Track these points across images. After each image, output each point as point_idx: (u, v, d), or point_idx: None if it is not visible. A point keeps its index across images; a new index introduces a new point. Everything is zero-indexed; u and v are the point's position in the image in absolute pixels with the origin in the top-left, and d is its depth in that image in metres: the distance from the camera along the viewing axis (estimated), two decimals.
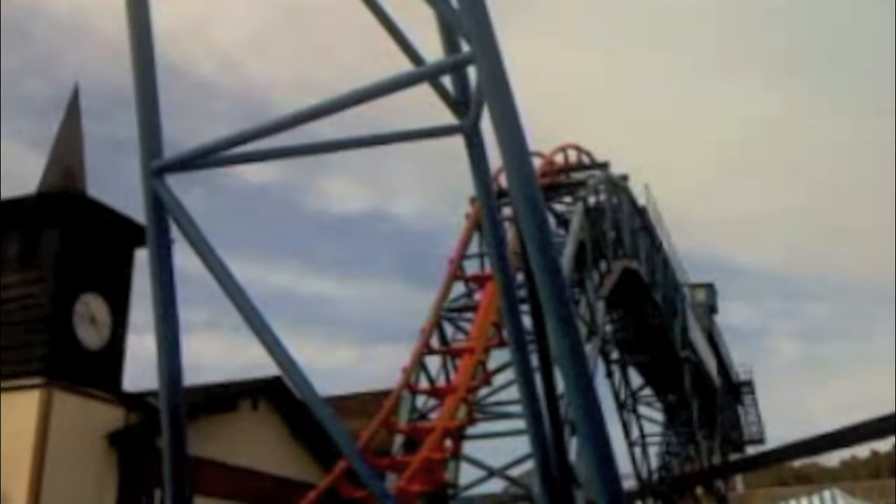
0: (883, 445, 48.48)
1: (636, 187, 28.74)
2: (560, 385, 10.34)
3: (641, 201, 29.47)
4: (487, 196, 8.98)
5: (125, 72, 8.86)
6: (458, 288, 18.97)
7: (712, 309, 39.03)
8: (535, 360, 9.63)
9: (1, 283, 17.75)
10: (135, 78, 8.71)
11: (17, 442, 16.18)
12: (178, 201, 8.47)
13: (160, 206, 8.42)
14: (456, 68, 8.87)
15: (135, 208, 18.93)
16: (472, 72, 9.38)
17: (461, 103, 9.05)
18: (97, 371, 17.70)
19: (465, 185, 9.78)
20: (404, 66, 9.28)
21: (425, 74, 8.68)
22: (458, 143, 9.38)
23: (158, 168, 8.48)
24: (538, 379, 9.19)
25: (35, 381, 16.62)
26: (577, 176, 25.63)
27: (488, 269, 18.67)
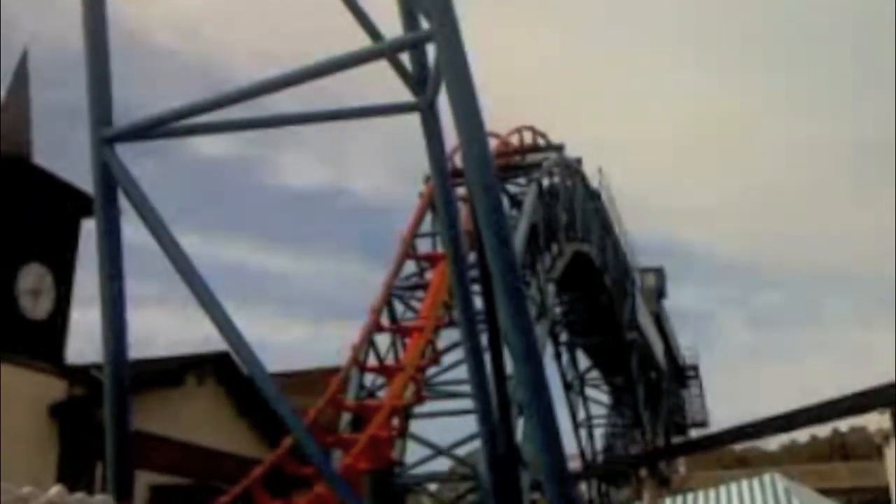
0: (822, 431, 49.53)
1: (590, 170, 28.96)
2: (509, 365, 10.40)
3: (595, 184, 29.70)
4: (441, 175, 8.97)
5: (76, 37, 8.65)
6: (410, 267, 18.94)
7: (661, 293, 39.44)
8: (484, 340, 9.67)
9: None
10: (85, 44, 8.52)
11: None
12: (128, 171, 8.32)
13: (109, 175, 8.26)
14: (414, 45, 8.82)
15: (85, 178, 18.59)
16: (431, 50, 9.35)
17: (419, 81, 9.01)
18: (40, 342, 17.35)
19: (425, 162, 9.80)
20: (365, 41, 9.20)
21: (383, 50, 8.63)
22: (418, 119, 9.33)
23: (108, 137, 8.32)
24: (487, 359, 9.23)
25: None
26: (532, 158, 25.70)
27: (441, 248, 18.66)
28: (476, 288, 10.27)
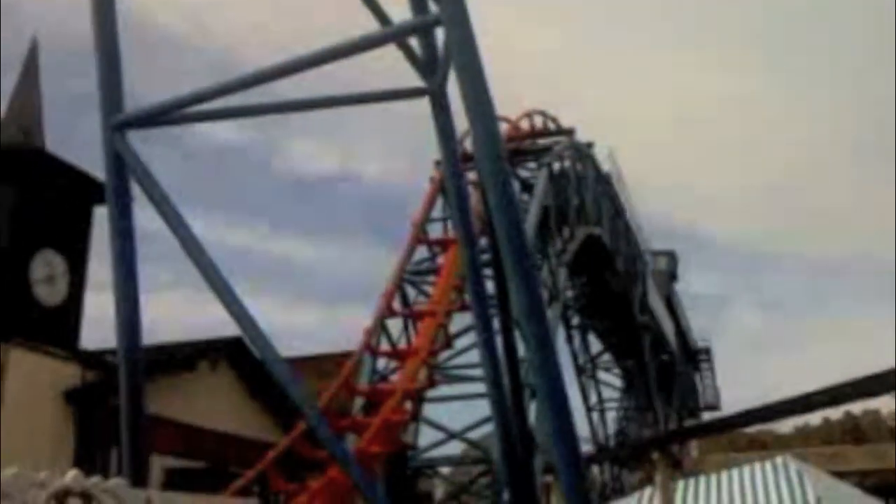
0: (835, 413, 49.43)
1: (601, 154, 28.89)
2: (521, 349, 10.41)
3: (606, 168, 29.61)
4: (452, 159, 8.98)
5: (88, 25, 8.66)
6: (422, 251, 18.96)
7: (673, 276, 39.35)
8: (497, 324, 9.68)
9: None
10: (95, 31, 8.53)
11: None
12: (139, 158, 8.35)
13: (120, 162, 8.29)
14: (423, 30, 8.81)
15: (97, 165, 18.64)
16: (440, 34, 9.33)
17: (428, 65, 9.00)
18: (54, 329, 17.44)
19: (436, 147, 9.82)
20: (373, 26, 9.19)
21: (392, 35, 8.62)
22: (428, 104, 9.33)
23: (119, 123, 8.34)
24: (500, 343, 9.24)
25: None
26: (543, 142, 25.65)
27: (452, 233, 18.68)
28: (488, 272, 10.29)
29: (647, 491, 19.55)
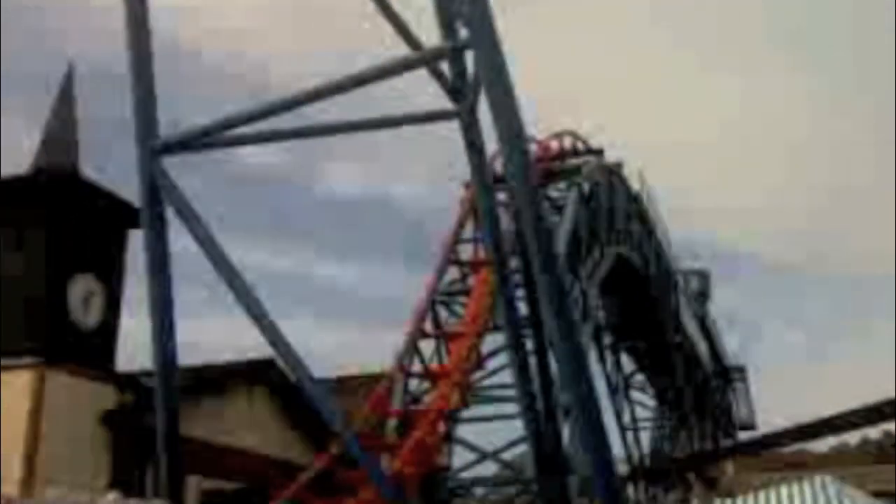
0: (873, 432, 48.70)
1: (630, 173, 28.84)
2: (553, 368, 10.41)
3: (636, 187, 29.56)
4: (482, 181, 9.04)
5: (123, 52, 8.83)
6: (453, 272, 19.02)
7: (705, 295, 39.11)
8: (529, 344, 9.69)
9: None
10: (130, 58, 8.69)
11: (13, 422, 16.18)
12: (174, 182, 8.48)
13: (155, 186, 8.42)
14: (453, 53, 8.90)
15: (129, 188, 18.89)
16: (469, 56, 9.41)
17: (458, 88, 9.08)
18: (91, 351, 17.66)
19: (465, 168, 9.89)
20: (403, 50, 9.29)
21: (422, 59, 8.71)
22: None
23: (154, 149, 8.48)
24: (532, 363, 9.24)
25: (29, 361, 16.57)
26: (572, 162, 25.69)
27: (483, 253, 18.73)
28: (520, 293, 10.31)
29: None
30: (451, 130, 9.34)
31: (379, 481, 7.17)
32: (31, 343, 16.73)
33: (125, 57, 8.87)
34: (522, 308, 10.53)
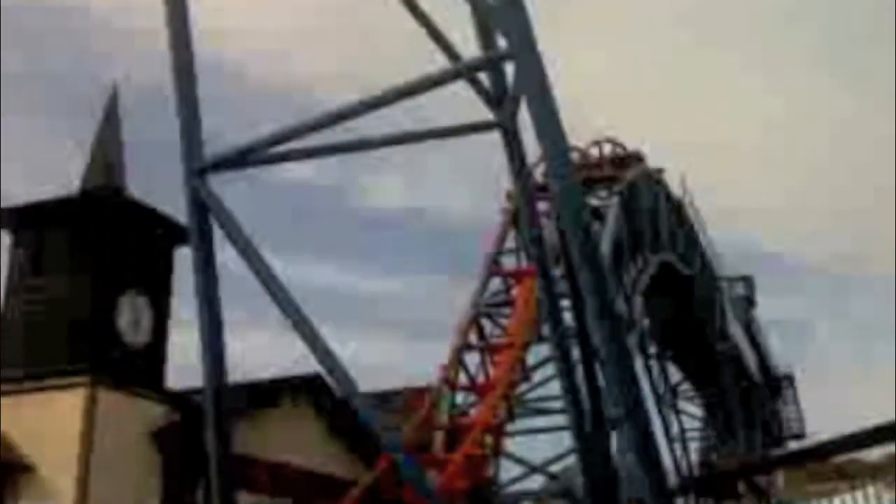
0: None
1: (672, 179, 28.63)
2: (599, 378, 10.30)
3: (678, 194, 29.33)
4: (525, 191, 9.00)
5: (165, 73, 8.94)
6: (496, 284, 18.98)
7: (751, 302, 38.64)
8: (576, 354, 9.62)
9: (45, 282, 18.00)
10: (174, 79, 8.80)
11: (64, 441, 16.42)
12: (220, 200, 8.55)
13: (202, 205, 8.50)
14: (493, 64, 8.89)
15: (174, 207, 19.15)
16: (508, 67, 9.39)
17: (498, 98, 9.07)
18: (140, 369, 17.90)
19: (505, 179, 9.82)
20: (442, 62, 9.31)
21: (463, 71, 8.71)
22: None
23: (200, 168, 8.56)
24: (579, 373, 9.18)
25: (80, 380, 16.83)
26: (613, 170, 25.56)
27: (525, 264, 18.69)
28: (565, 303, 10.25)
29: None
30: (488, 142, 9.33)
31: (428, 497, 7.14)
32: (81, 363, 16.99)
33: (168, 78, 8.97)
34: (568, 318, 10.47)
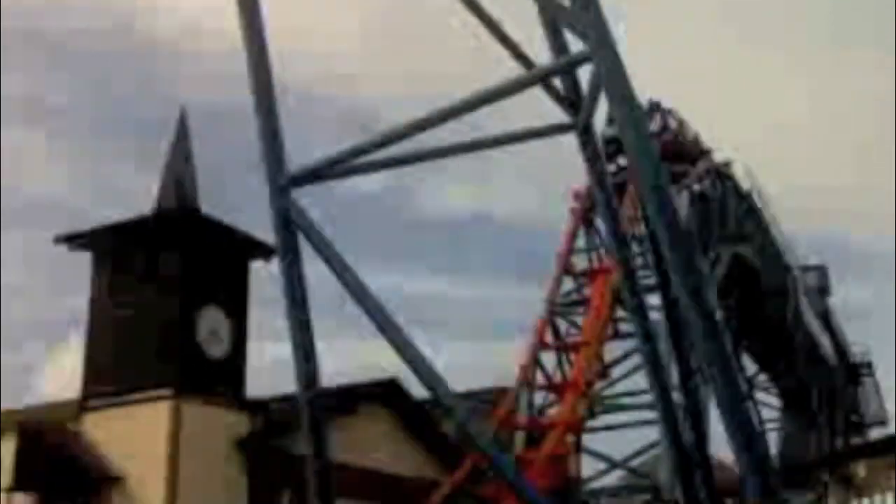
0: None
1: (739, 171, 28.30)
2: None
3: (746, 186, 28.99)
4: (603, 189, 9.05)
5: (228, 93, 9.20)
6: (568, 284, 19.01)
7: (825, 291, 37.99)
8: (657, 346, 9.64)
9: (127, 300, 18.51)
10: (255, 97, 9.05)
11: (151, 451, 16.89)
12: (305, 213, 8.78)
13: (288, 219, 8.73)
14: (571, 68, 8.95)
15: (247, 223, 19.59)
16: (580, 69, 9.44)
17: (573, 101, 9.13)
18: (221, 380, 18.30)
19: (567, 181, 9.91)
20: (512, 68, 9.40)
21: (539, 76, 8.80)
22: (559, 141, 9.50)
23: (285, 183, 8.80)
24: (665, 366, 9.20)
25: (165, 393, 17.30)
26: (681, 165, 25.36)
27: (597, 264, 18.71)
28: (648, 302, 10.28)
29: None
30: (552, 145, 9.43)
31: (523, 492, 7.25)
32: (166, 376, 17.46)
33: (232, 100, 9.22)
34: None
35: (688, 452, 7.78)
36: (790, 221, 32.60)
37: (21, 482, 16.67)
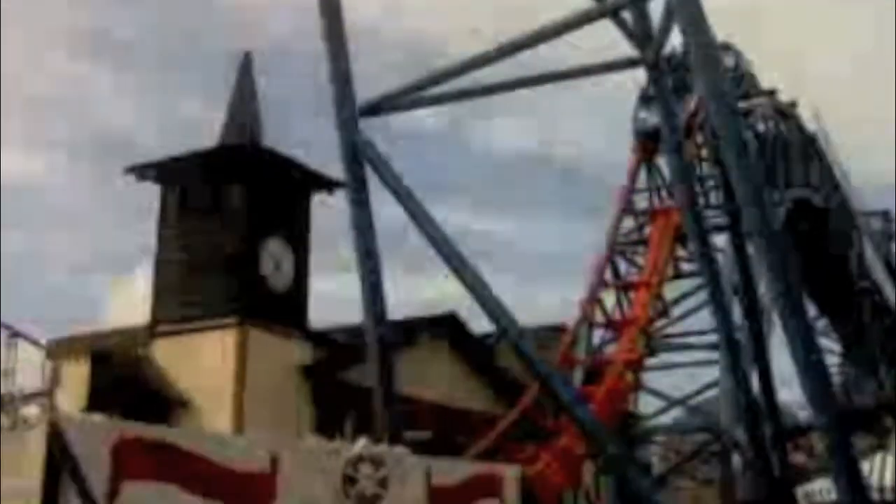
0: None
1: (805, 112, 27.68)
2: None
3: (812, 128, 28.37)
4: (672, 126, 9.05)
5: (289, 32, 9.26)
6: (628, 223, 18.90)
7: (890, 236, 37.22)
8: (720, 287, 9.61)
9: (194, 230, 18.87)
10: (325, 30, 9.13)
11: (218, 377, 17.33)
12: (373, 144, 8.90)
13: (356, 150, 8.87)
14: (637, 2, 8.88)
15: (310, 156, 19.77)
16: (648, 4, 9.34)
17: (642, 36, 9.08)
18: (285, 310, 18.64)
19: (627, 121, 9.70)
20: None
21: (608, 9, 8.76)
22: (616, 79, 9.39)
23: (353, 115, 8.92)
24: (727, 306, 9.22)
25: (231, 321, 17.69)
26: (744, 104, 24.88)
27: (658, 203, 18.58)
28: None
29: (879, 456, 18.89)
30: (613, 82, 9.36)
31: (588, 422, 7.39)
32: (231, 304, 17.85)
33: (296, 35, 9.30)
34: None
35: (752, 394, 7.82)
36: (855, 164, 31.81)
37: (93, 405, 17.24)
